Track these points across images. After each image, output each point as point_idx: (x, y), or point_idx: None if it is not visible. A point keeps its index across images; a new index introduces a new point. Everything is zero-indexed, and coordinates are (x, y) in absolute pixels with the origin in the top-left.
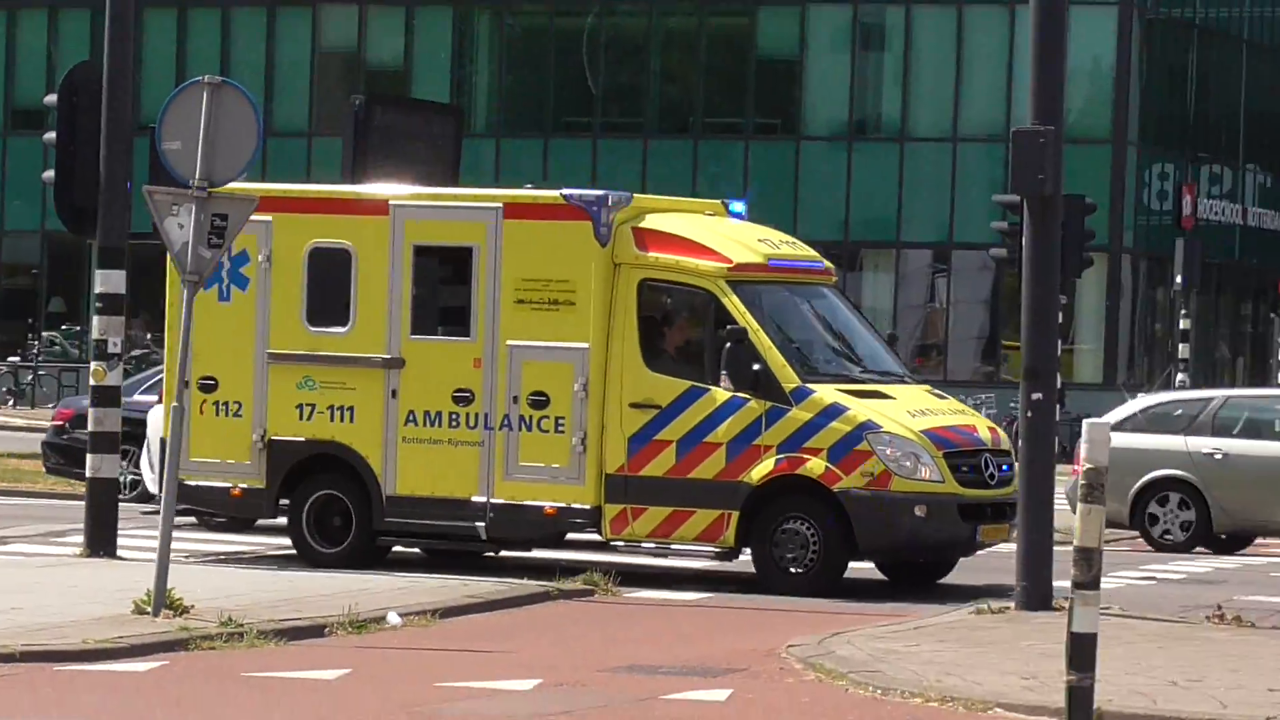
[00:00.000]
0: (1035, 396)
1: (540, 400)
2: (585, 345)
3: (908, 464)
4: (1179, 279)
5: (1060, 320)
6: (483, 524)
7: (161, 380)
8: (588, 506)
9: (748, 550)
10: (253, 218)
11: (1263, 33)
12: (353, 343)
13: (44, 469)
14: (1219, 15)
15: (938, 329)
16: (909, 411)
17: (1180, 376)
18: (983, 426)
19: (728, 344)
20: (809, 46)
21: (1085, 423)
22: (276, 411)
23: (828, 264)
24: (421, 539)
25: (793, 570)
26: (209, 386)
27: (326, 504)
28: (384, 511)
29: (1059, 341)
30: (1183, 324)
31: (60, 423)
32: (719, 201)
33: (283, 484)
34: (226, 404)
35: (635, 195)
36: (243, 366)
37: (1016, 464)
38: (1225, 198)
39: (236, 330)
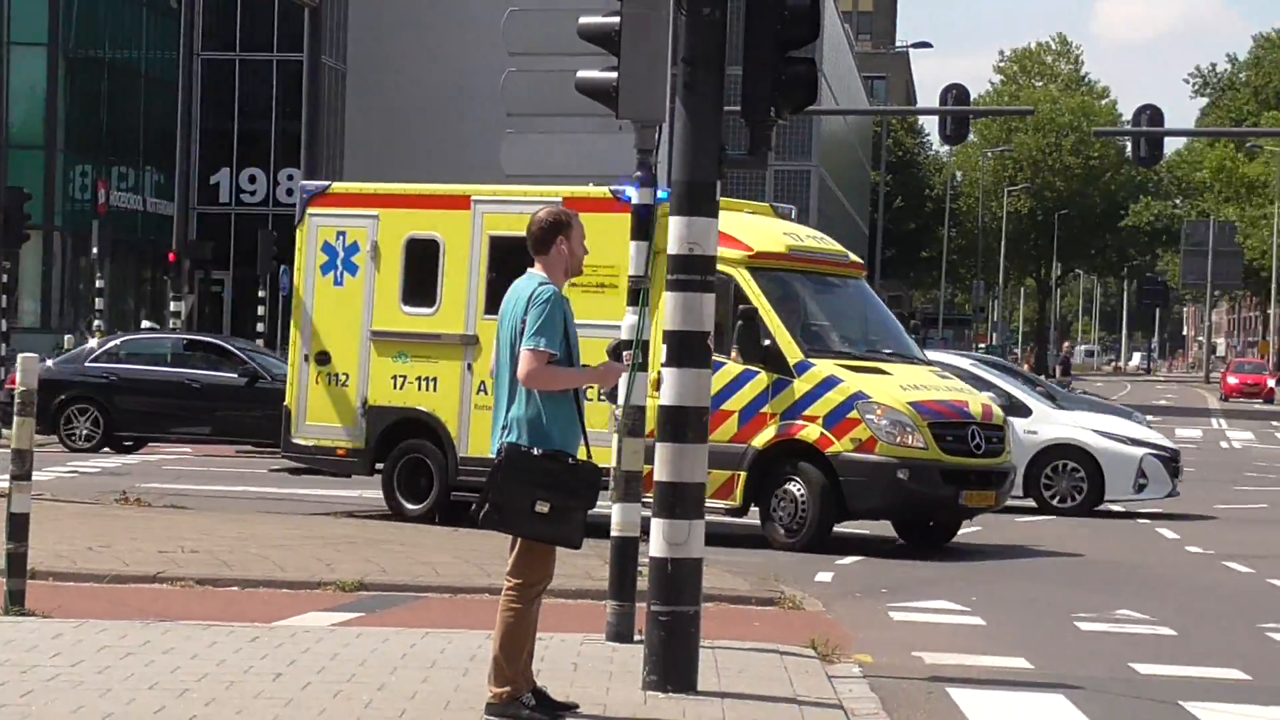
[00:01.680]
0: None
1: None
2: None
3: (893, 431)
4: (95, 251)
5: (5, 281)
6: None
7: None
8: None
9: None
10: (363, 212)
11: (157, 69)
12: (438, 322)
13: None
14: (125, 55)
15: None
16: (902, 386)
17: (98, 323)
18: (976, 402)
19: (739, 321)
20: None
21: (20, 356)
22: (376, 382)
23: (854, 258)
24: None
25: (789, 527)
26: (323, 359)
27: (413, 465)
28: (457, 471)
29: (5, 297)
30: (99, 284)
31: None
32: (767, 205)
33: (377, 445)
34: (337, 375)
35: None
36: (350, 342)
37: (1009, 437)
38: (131, 190)
39: (347, 311)
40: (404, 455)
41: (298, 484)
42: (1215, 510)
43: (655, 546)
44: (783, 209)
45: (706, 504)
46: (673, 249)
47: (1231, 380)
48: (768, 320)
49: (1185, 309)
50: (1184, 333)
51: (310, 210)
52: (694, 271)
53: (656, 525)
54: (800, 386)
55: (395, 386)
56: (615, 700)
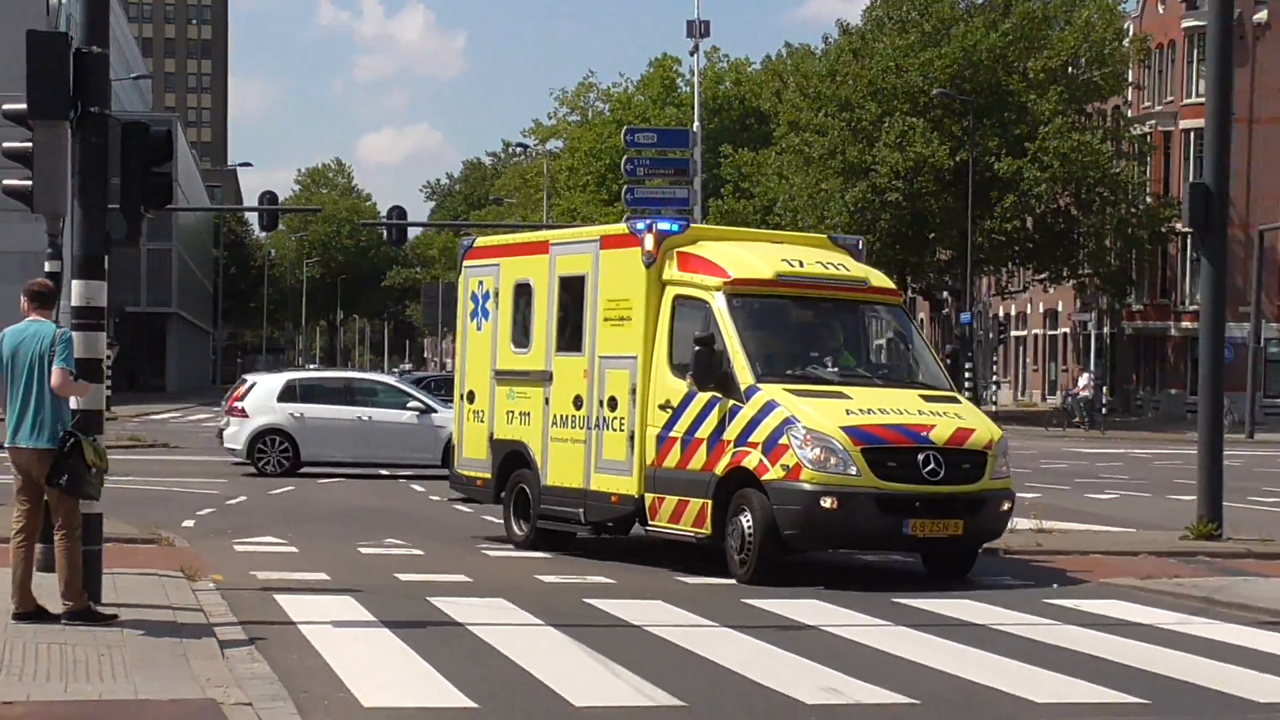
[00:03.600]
0: None
1: (614, 403)
2: (635, 355)
3: (818, 457)
4: None
5: None
6: (582, 510)
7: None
8: (635, 495)
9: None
10: (492, 262)
11: None
12: (530, 360)
13: None
14: None
15: None
16: (849, 410)
17: None
18: (947, 427)
19: (696, 347)
20: None
21: None
22: (498, 417)
23: (878, 284)
24: (559, 523)
25: (741, 558)
26: (471, 398)
27: (524, 494)
28: (540, 500)
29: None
30: None
31: None
32: (824, 236)
33: (497, 476)
34: (479, 412)
35: (695, 225)
36: (486, 382)
37: (997, 462)
38: None
39: (483, 353)
40: (515, 485)
41: None
42: None
43: None
44: (844, 240)
45: (681, 532)
46: (76, 301)
47: None
48: (728, 345)
49: (424, 340)
50: (424, 356)
51: (465, 263)
52: (90, 318)
53: None
54: (747, 412)
55: (508, 421)
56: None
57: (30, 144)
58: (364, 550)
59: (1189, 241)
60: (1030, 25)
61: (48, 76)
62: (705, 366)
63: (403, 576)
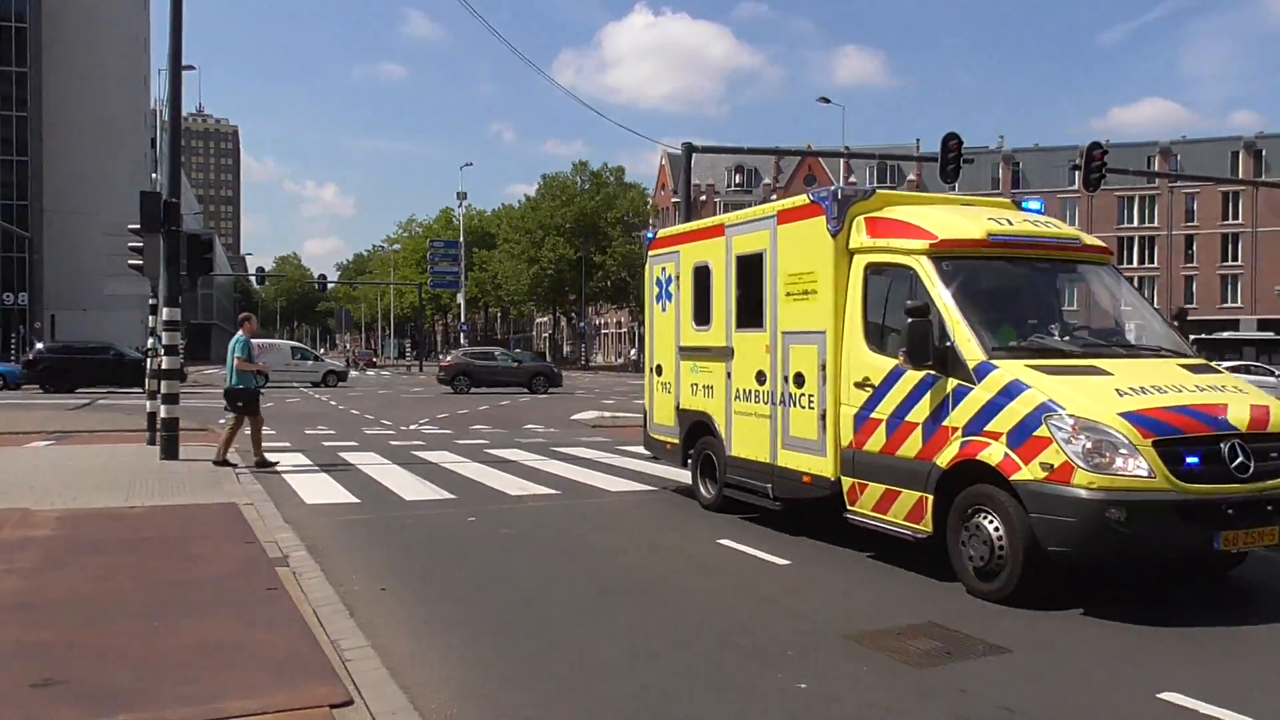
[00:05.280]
0: None
1: (800, 380)
2: (824, 330)
3: (1096, 453)
4: None
5: None
6: (770, 485)
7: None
8: (830, 478)
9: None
10: (672, 250)
11: None
12: (711, 337)
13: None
14: None
15: None
16: (1119, 390)
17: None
18: (1241, 406)
19: (909, 319)
20: None
21: None
22: (684, 388)
23: (1089, 242)
24: (748, 494)
25: (982, 570)
26: (659, 371)
27: (708, 459)
28: (726, 469)
29: None
30: None
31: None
32: (1008, 200)
33: (684, 442)
34: (666, 384)
35: (880, 191)
36: (671, 357)
37: None
38: None
39: (669, 331)
40: (701, 452)
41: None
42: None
43: (161, 410)
44: (1028, 205)
45: (892, 524)
46: (166, 318)
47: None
48: (945, 315)
49: (337, 336)
50: (337, 345)
51: (649, 253)
52: (175, 327)
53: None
54: (981, 395)
55: (693, 393)
56: (153, 460)
57: (142, 244)
58: (306, 432)
59: None
60: (607, 199)
61: (151, 213)
62: (922, 341)
63: (325, 443)
